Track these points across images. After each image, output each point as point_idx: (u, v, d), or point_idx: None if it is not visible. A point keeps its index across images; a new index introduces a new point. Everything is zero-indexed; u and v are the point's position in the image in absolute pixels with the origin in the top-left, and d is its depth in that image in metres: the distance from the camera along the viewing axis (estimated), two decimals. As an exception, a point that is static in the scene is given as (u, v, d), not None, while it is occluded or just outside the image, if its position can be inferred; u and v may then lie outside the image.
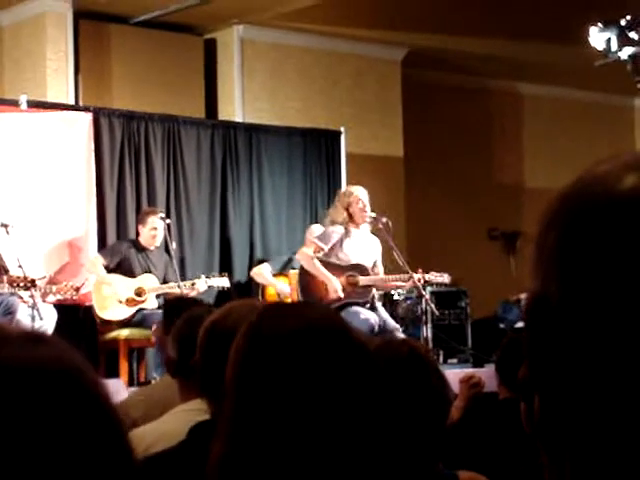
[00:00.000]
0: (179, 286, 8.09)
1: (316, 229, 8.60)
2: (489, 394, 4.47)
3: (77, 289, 7.76)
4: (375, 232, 8.06)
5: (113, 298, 8.15)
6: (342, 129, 10.33)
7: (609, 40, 8.29)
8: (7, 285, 7.27)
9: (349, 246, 7.95)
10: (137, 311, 8.11)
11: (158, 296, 8.17)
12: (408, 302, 9.16)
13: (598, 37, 8.32)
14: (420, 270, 7.92)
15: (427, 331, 8.86)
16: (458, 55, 11.33)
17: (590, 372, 0.79)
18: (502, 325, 10.29)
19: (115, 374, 7.89)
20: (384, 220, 7.91)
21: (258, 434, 1.70)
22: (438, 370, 2.61)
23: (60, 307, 7.80)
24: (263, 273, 8.91)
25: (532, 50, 11.15)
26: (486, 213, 12.39)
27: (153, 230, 8.31)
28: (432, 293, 9.10)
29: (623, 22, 8.22)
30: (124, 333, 8.07)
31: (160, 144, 9.23)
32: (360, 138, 10.72)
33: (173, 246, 8.41)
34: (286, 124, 10.12)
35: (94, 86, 9.56)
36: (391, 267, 8.12)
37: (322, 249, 7.94)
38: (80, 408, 0.83)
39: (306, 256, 7.99)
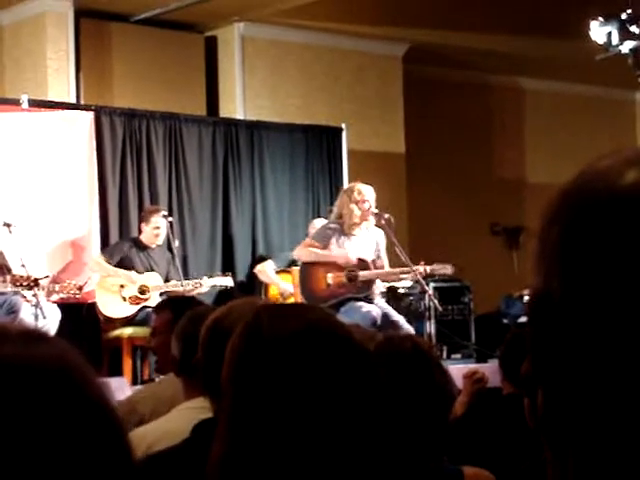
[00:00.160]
0: (182, 285, 8.10)
1: (318, 223, 8.61)
2: (493, 389, 4.47)
3: (80, 288, 7.77)
4: (376, 226, 8.05)
5: (118, 292, 8.15)
6: (343, 125, 10.33)
7: (610, 34, 8.29)
8: (10, 284, 7.28)
9: (348, 243, 7.94)
10: (140, 309, 8.12)
11: (162, 294, 8.18)
12: (411, 298, 9.15)
13: (599, 31, 8.32)
14: (422, 262, 7.91)
15: (430, 326, 8.86)
16: (459, 51, 11.32)
17: (593, 367, 0.79)
18: (505, 320, 10.29)
19: (119, 372, 7.90)
20: (386, 216, 7.90)
21: (257, 434, 1.70)
22: (441, 365, 2.61)
23: (63, 306, 7.81)
24: (266, 271, 8.91)
25: (533, 45, 11.14)
26: (488, 208, 12.39)
27: (156, 229, 8.32)
28: (435, 289, 9.10)
29: (624, 16, 8.22)
30: (127, 331, 8.08)
31: (162, 142, 9.23)
32: (361, 134, 10.71)
33: (176, 244, 8.42)
34: (287, 121, 10.12)
35: (95, 85, 9.57)
36: (394, 263, 8.12)
37: (316, 246, 7.96)
38: (78, 407, 0.83)
39: (301, 250, 8.00)
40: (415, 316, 9.01)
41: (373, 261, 7.95)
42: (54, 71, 9.23)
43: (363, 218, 7.89)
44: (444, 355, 9.04)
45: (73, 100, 9.25)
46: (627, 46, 8.30)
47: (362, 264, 7.90)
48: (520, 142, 13.13)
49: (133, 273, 8.19)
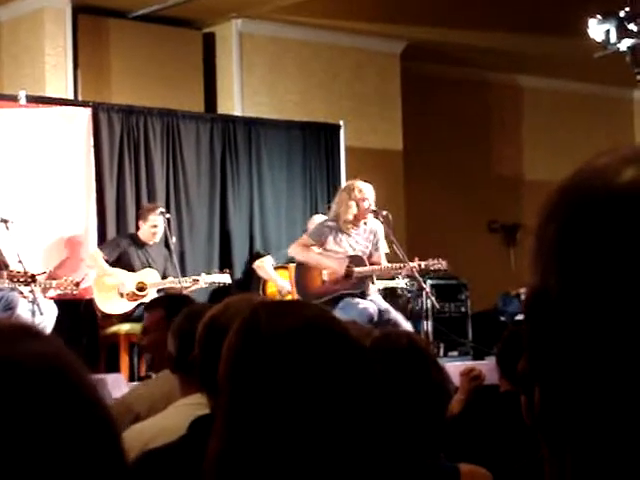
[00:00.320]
0: (180, 281, 8.10)
1: (318, 219, 8.61)
2: (490, 387, 4.48)
3: (77, 284, 7.76)
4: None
5: (116, 290, 8.16)
6: (341, 122, 10.32)
7: (608, 32, 8.29)
8: (7, 280, 7.27)
9: (345, 240, 7.93)
10: (138, 306, 8.12)
11: (159, 291, 8.18)
12: (409, 295, 9.16)
13: (597, 29, 8.32)
14: (417, 259, 7.90)
15: (427, 324, 8.87)
16: (457, 48, 11.32)
17: (590, 365, 0.79)
18: (502, 318, 10.30)
19: (116, 369, 7.90)
20: (384, 213, 7.89)
21: (254, 430, 1.70)
22: (438, 363, 2.61)
23: (60, 302, 7.81)
24: (265, 266, 8.92)
25: (531, 42, 11.14)
26: (486, 206, 12.39)
27: (154, 228, 8.33)
28: (432, 286, 9.10)
29: (622, 14, 8.22)
30: (125, 328, 8.08)
31: (159, 138, 9.23)
32: (359, 131, 10.71)
33: (173, 240, 8.42)
34: (285, 118, 10.12)
35: (93, 81, 9.56)
36: (391, 260, 8.12)
37: (312, 245, 7.97)
38: (69, 405, 0.82)
39: (296, 248, 8.01)
40: (412, 314, 9.02)
41: (369, 256, 7.94)
42: (52, 67, 9.22)
43: (361, 216, 7.88)
44: (441, 352, 9.05)
45: (71, 96, 9.25)
46: (625, 44, 8.30)
47: (357, 260, 7.90)
48: (518, 139, 13.13)
49: (126, 272, 8.17)
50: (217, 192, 9.48)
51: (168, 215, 8.47)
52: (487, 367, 4.95)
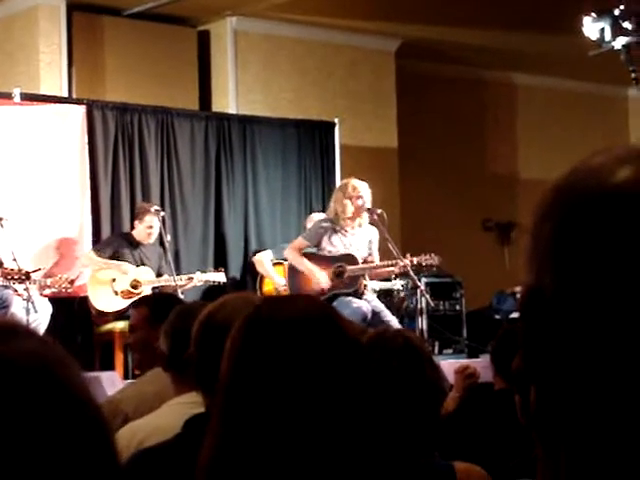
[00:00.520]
0: (175, 280, 8.10)
1: (317, 217, 8.62)
2: (484, 385, 4.48)
3: (71, 282, 7.76)
4: (370, 223, 8.06)
5: (110, 285, 8.15)
6: (336, 120, 10.32)
7: (603, 30, 8.29)
8: (2, 278, 7.27)
9: (341, 240, 7.95)
10: (132, 303, 8.10)
11: (154, 289, 8.17)
12: (403, 294, 9.15)
13: (592, 27, 8.32)
14: (409, 255, 7.91)
15: (422, 322, 8.87)
16: (452, 46, 11.32)
17: (585, 363, 0.80)
18: (497, 316, 10.30)
19: (110, 366, 7.90)
20: (378, 211, 7.90)
21: (250, 428, 1.70)
22: (432, 361, 2.61)
23: (55, 300, 7.80)
24: (263, 261, 8.91)
25: (526, 40, 11.14)
26: (480, 204, 12.39)
27: (149, 229, 8.33)
28: (427, 284, 9.10)
29: (617, 12, 8.22)
30: (119, 325, 8.07)
31: (154, 136, 9.22)
32: (354, 129, 10.71)
33: (168, 239, 8.41)
34: (280, 115, 10.11)
35: (87, 79, 9.54)
36: (386, 259, 8.12)
37: (308, 246, 8.01)
38: (60, 404, 0.81)
39: (291, 253, 8.07)
40: (407, 312, 9.02)
41: (364, 259, 7.97)
42: (46, 65, 9.21)
43: (356, 214, 7.89)
44: (436, 350, 9.05)
45: (65, 94, 9.24)
46: (620, 42, 8.30)
47: (350, 259, 7.91)
48: (513, 137, 13.13)
49: (125, 264, 8.19)
50: (212, 190, 9.47)
51: (163, 213, 8.46)
52: (482, 365, 4.96)
